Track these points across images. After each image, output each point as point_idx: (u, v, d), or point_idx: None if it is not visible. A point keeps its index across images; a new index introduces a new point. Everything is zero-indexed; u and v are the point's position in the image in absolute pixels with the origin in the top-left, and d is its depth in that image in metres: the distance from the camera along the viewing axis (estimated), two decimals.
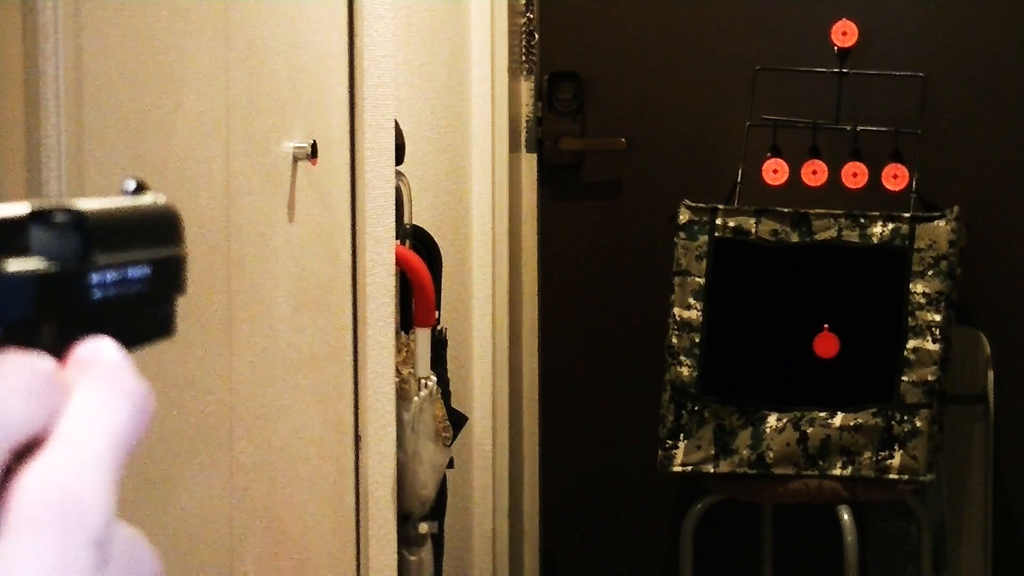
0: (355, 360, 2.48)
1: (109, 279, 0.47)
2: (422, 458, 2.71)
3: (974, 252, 3.62)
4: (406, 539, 2.74)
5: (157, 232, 0.50)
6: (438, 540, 2.88)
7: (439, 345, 2.89)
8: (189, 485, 1.93)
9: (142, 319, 0.49)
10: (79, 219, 0.46)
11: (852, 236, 3.47)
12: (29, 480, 0.42)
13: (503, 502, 3.62)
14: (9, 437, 0.42)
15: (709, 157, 3.89)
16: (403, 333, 2.75)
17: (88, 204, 0.47)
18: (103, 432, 0.44)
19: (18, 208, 0.45)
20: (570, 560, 4.01)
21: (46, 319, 0.45)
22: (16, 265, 0.44)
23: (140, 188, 0.50)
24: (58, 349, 0.45)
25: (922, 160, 3.70)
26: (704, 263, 3.49)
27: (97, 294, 0.47)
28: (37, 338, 0.44)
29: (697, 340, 3.47)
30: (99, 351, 0.45)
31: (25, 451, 0.43)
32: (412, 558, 2.76)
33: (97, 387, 0.44)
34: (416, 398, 2.72)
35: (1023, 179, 3.84)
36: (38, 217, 0.45)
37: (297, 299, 2.27)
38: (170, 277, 0.50)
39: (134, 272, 0.48)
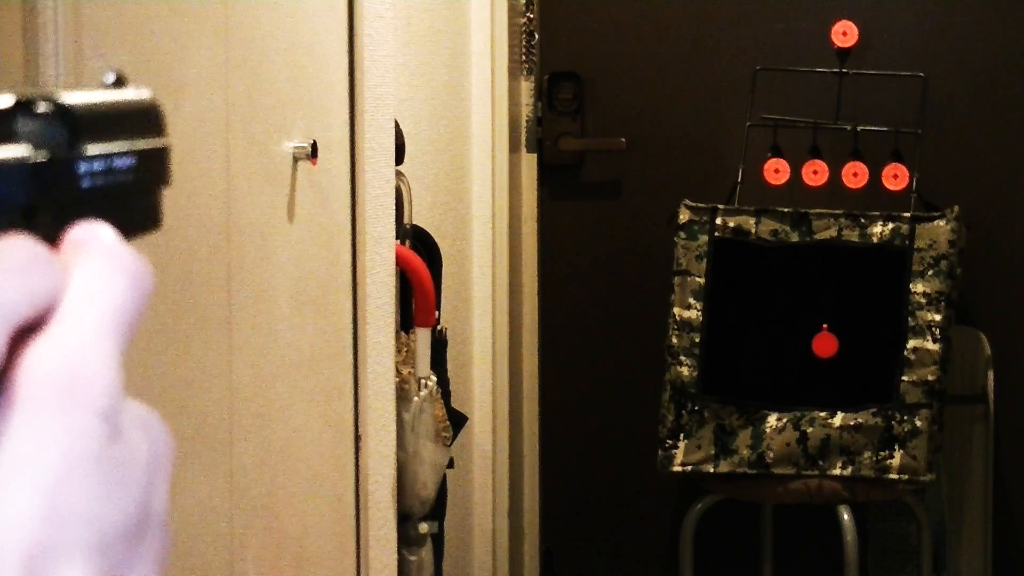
0: (355, 360, 2.48)
1: (96, 168, 0.47)
2: (422, 458, 2.71)
3: (974, 252, 3.62)
4: (406, 539, 2.74)
5: (141, 124, 0.51)
6: (438, 540, 2.88)
7: (439, 345, 2.89)
8: (189, 485, 1.93)
9: (130, 209, 0.49)
10: (64, 109, 0.46)
11: (852, 236, 3.47)
12: (34, 358, 0.43)
13: (503, 502, 3.62)
14: (11, 317, 0.42)
15: (709, 157, 3.89)
16: (403, 333, 2.75)
17: (72, 96, 0.47)
18: (104, 307, 0.44)
19: (3, 100, 0.46)
20: (570, 560, 4.01)
21: (38, 206, 0.45)
22: (4, 153, 0.45)
23: (120, 81, 0.50)
24: (51, 236, 0.45)
25: (922, 160, 3.70)
26: (704, 263, 3.49)
27: (86, 183, 0.47)
28: (30, 225, 0.45)
29: (697, 340, 3.47)
30: (94, 231, 0.46)
31: (29, 331, 0.43)
32: (412, 558, 2.76)
33: (95, 265, 0.45)
34: (416, 398, 2.72)
35: (1023, 179, 3.84)
36: (23, 107, 0.46)
37: (297, 299, 2.27)
38: (155, 168, 0.51)
39: (120, 162, 0.48)
